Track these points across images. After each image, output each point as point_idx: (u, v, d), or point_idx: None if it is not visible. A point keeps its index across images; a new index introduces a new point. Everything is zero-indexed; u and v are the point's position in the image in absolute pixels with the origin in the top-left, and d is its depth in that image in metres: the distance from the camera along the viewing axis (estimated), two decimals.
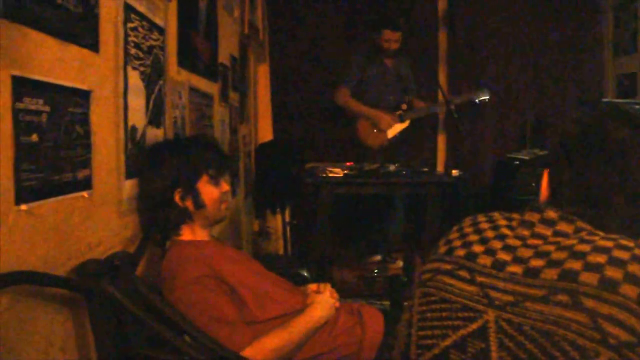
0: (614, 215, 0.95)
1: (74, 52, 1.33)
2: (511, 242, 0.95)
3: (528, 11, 4.89)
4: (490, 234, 0.99)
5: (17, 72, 1.08)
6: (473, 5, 4.87)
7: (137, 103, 1.73)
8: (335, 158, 4.23)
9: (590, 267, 0.84)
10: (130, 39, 1.66)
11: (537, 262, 0.89)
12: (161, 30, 1.97)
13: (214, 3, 2.84)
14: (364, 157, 4.07)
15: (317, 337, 1.72)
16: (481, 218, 1.06)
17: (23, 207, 1.11)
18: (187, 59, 2.32)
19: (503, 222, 1.01)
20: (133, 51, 1.68)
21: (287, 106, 4.90)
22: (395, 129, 4.21)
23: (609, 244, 0.86)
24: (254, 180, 4.26)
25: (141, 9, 1.75)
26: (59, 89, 1.25)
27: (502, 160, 4.58)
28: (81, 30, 1.35)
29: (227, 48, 3.22)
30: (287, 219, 4.42)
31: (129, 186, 1.67)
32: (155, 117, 1.89)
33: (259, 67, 4.75)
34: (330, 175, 3.31)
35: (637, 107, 3.58)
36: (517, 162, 4.25)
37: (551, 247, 0.90)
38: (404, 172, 3.51)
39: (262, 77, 4.82)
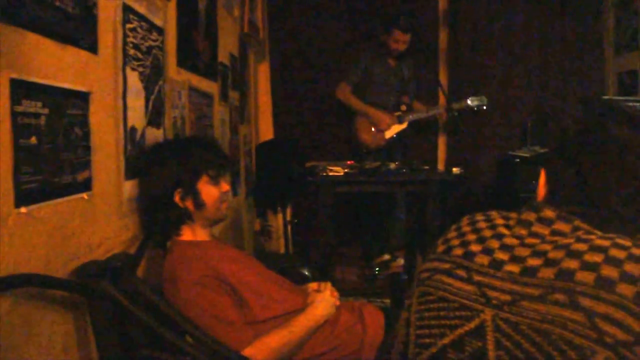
0: (611, 214, 0.95)
1: (73, 54, 1.33)
2: (509, 241, 0.95)
3: (529, 10, 4.88)
4: (487, 233, 0.99)
5: (15, 75, 1.08)
6: (474, 4, 4.85)
7: (137, 104, 1.73)
8: (336, 157, 4.23)
9: (586, 266, 0.84)
10: (129, 39, 1.66)
11: (534, 261, 0.89)
12: (160, 31, 1.97)
13: (213, 2, 2.85)
14: (361, 156, 4.07)
15: (318, 335, 1.72)
16: (479, 217, 1.06)
17: (23, 209, 1.11)
18: (186, 58, 2.33)
19: (500, 221, 1.01)
20: (132, 52, 1.69)
21: (288, 105, 4.89)
22: (393, 130, 4.22)
23: (606, 243, 0.86)
24: (254, 179, 4.26)
25: (140, 9, 1.76)
26: (58, 91, 1.25)
27: (503, 158, 4.58)
28: (79, 32, 1.36)
29: (226, 47, 3.23)
30: (288, 217, 4.42)
31: (129, 187, 1.68)
32: (155, 117, 1.90)
33: (259, 66, 4.75)
34: (331, 174, 3.31)
35: (637, 105, 3.58)
36: (518, 160, 4.24)
37: (548, 246, 0.90)
38: (404, 171, 3.51)
39: (262, 76, 4.82)
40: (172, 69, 2.15)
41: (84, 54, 1.39)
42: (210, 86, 2.79)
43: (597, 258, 0.84)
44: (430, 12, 4.92)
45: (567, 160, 1.00)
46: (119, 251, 1.59)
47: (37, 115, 1.16)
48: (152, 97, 1.87)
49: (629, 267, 0.82)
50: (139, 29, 1.74)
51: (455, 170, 3.62)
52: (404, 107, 4.26)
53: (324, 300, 1.78)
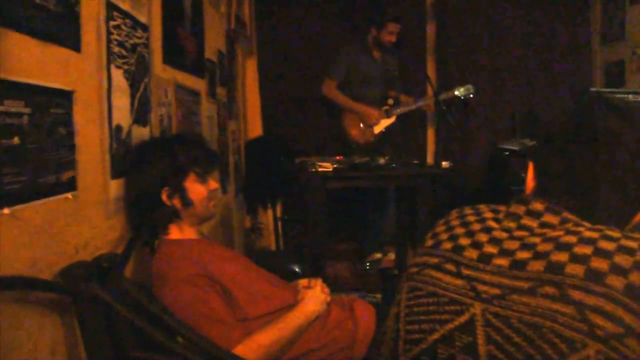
0: (600, 206, 0.94)
1: (55, 52, 1.31)
2: (497, 234, 0.95)
3: (515, 2, 4.89)
4: (476, 226, 0.99)
5: None
6: None
7: (122, 102, 1.71)
8: (326, 152, 4.22)
9: (576, 259, 0.83)
10: (113, 37, 1.64)
11: (523, 255, 0.89)
12: (145, 28, 1.95)
13: None
14: (350, 152, 4.06)
15: (309, 332, 1.72)
16: (468, 211, 1.05)
17: (6, 211, 1.10)
18: (172, 55, 2.30)
19: (489, 215, 1.01)
20: (116, 49, 1.67)
21: (276, 101, 4.88)
22: (382, 125, 4.21)
23: (595, 235, 0.86)
24: (244, 176, 4.24)
25: (124, 6, 1.74)
26: (40, 90, 1.23)
27: (492, 151, 4.59)
28: (62, 30, 1.34)
29: (213, 43, 3.20)
30: (278, 214, 4.42)
31: (115, 186, 1.66)
32: (140, 115, 1.88)
33: (247, 62, 4.73)
34: (320, 169, 3.30)
35: (624, 96, 3.60)
36: (507, 153, 4.26)
37: (537, 239, 0.90)
38: (394, 165, 3.50)
39: (250, 72, 4.80)
40: (158, 66, 2.13)
41: (67, 52, 1.37)
42: (197, 83, 2.77)
43: (587, 250, 0.84)
44: (418, 6, 4.92)
45: (556, 151, 0.99)
46: (105, 251, 1.57)
47: (19, 115, 1.14)
48: (138, 94, 1.85)
49: (619, 259, 0.81)
50: (123, 26, 1.72)
51: (444, 164, 3.62)
52: (391, 101, 4.25)
53: (314, 296, 1.78)
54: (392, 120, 4.24)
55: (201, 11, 2.87)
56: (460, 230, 1.00)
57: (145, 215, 1.72)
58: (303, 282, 1.95)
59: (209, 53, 3.06)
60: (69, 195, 1.36)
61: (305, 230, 3.63)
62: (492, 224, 0.98)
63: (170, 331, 1.44)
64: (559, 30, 4.93)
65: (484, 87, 4.91)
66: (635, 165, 0.94)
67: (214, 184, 1.81)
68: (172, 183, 1.71)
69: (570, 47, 4.93)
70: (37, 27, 1.22)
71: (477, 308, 0.89)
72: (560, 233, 0.89)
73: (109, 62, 1.61)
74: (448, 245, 0.99)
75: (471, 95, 4.16)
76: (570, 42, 4.93)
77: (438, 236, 1.03)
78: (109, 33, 1.61)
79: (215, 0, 3.28)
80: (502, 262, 0.90)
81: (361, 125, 4.18)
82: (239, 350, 1.54)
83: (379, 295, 3.42)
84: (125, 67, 1.74)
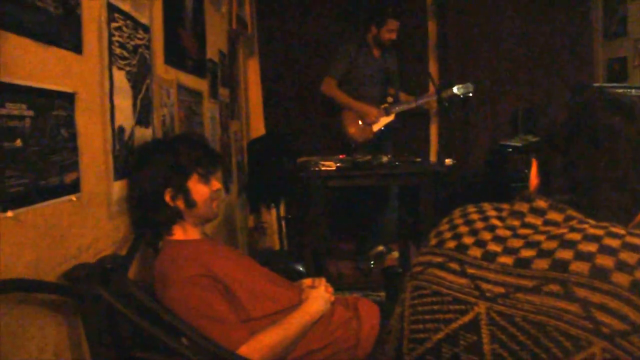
0: (604, 203, 0.94)
1: (57, 55, 1.31)
2: (501, 232, 0.95)
3: None
4: (480, 225, 0.98)
5: None
6: None
7: (124, 103, 1.72)
8: (328, 151, 4.22)
9: (581, 256, 0.83)
10: (114, 38, 1.64)
11: (527, 253, 0.88)
12: (146, 29, 1.95)
13: None
14: (349, 150, 4.06)
15: (313, 332, 1.71)
16: (471, 209, 1.05)
17: (9, 214, 1.10)
18: (174, 56, 2.30)
19: (493, 213, 1.00)
20: (118, 51, 1.67)
21: (278, 100, 4.88)
22: (381, 122, 4.21)
23: (600, 232, 0.86)
24: (247, 175, 4.24)
25: (125, 7, 1.74)
26: (42, 92, 1.23)
27: (494, 148, 4.59)
28: (63, 32, 1.34)
29: (215, 44, 3.20)
30: (282, 213, 4.41)
31: (119, 187, 1.66)
32: (143, 116, 1.88)
33: (248, 61, 4.72)
34: (323, 168, 3.30)
35: (627, 91, 3.58)
36: (510, 150, 4.25)
37: (541, 237, 0.89)
38: (396, 163, 3.50)
39: (252, 71, 4.79)
40: (160, 67, 2.13)
41: (69, 55, 1.37)
42: (199, 83, 2.77)
43: (592, 247, 0.83)
44: (419, 4, 4.92)
45: (558, 149, 0.99)
46: (109, 253, 1.57)
47: (21, 118, 1.15)
48: (140, 96, 1.85)
49: (624, 256, 0.81)
50: (124, 28, 1.72)
51: (447, 161, 3.62)
52: (390, 99, 4.25)
53: (318, 296, 1.77)
54: (391, 118, 4.24)
55: (202, 11, 2.87)
56: (463, 229, 1.00)
57: (149, 216, 1.72)
58: (307, 281, 1.94)
59: (211, 53, 3.06)
60: (72, 197, 1.36)
61: (308, 229, 3.63)
62: (496, 222, 0.97)
63: (174, 332, 1.45)
64: (560, 26, 4.91)
65: (485, 84, 4.90)
66: (638, 162, 0.94)
67: (216, 184, 1.81)
68: (175, 184, 1.71)
69: (571, 44, 4.92)
70: (38, 30, 1.22)
71: (481, 307, 0.88)
72: (565, 230, 0.88)
73: (110, 64, 1.61)
74: (452, 244, 0.99)
75: (470, 94, 4.16)
76: (572, 39, 4.92)
77: (441, 235, 1.03)
78: (110, 35, 1.61)
79: (216, 0, 3.28)
80: (507, 260, 0.90)
81: (360, 123, 4.18)
82: (243, 350, 1.54)
83: (382, 294, 3.42)
84: (127, 68, 1.74)
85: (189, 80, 2.58)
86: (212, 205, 1.79)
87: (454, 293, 0.93)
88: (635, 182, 0.93)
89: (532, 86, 4.95)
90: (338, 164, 3.38)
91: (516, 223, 0.95)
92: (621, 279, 0.80)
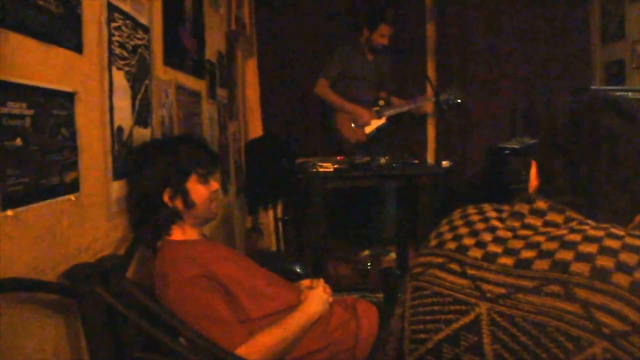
0: (604, 204, 0.95)
1: (57, 54, 1.31)
2: (502, 234, 0.95)
3: (515, 1, 4.89)
4: (480, 226, 0.99)
5: None
6: None
7: (123, 103, 1.71)
8: (326, 152, 4.22)
9: (581, 257, 0.83)
10: (114, 38, 1.64)
11: (528, 254, 0.89)
12: (146, 29, 1.95)
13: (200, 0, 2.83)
14: (341, 151, 4.05)
15: (312, 333, 1.71)
16: (471, 210, 1.05)
17: (9, 212, 1.10)
18: (173, 57, 2.30)
19: (493, 214, 1.00)
20: (118, 51, 1.67)
21: (276, 102, 4.88)
22: (373, 125, 4.22)
23: (600, 233, 0.86)
24: (244, 176, 4.24)
25: (125, 7, 1.74)
26: (43, 91, 1.23)
27: (492, 150, 4.59)
28: (64, 32, 1.34)
29: (213, 45, 3.20)
30: (279, 214, 4.41)
31: (117, 187, 1.66)
32: (142, 117, 1.88)
33: (246, 62, 4.73)
34: (321, 169, 3.30)
35: (625, 94, 3.60)
36: (508, 151, 4.25)
37: (541, 238, 0.90)
38: (394, 165, 3.50)
39: (250, 72, 4.80)
40: (159, 68, 2.13)
41: (69, 54, 1.37)
42: (197, 84, 2.77)
43: (592, 248, 0.84)
44: (418, 7, 4.92)
45: (558, 150, 0.99)
46: (108, 253, 1.57)
47: (22, 117, 1.14)
48: (139, 96, 1.85)
49: (624, 257, 0.82)
50: (124, 28, 1.72)
51: (445, 163, 3.62)
52: (382, 102, 4.27)
53: (317, 297, 1.77)
54: (382, 121, 4.25)
55: (201, 12, 2.87)
56: (464, 230, 1.00)
57: (147, 217, 1.72)
58: (305, 282, 1.95)
59: (209, 54, 3.06)
60: (72, 196, 1.36)
61: (307, 230, 3.63)
62: (496, 223, 0.98)
63: (173, 332, 1.45)
64: (558, 29, 4.92)
65: (483, 87, 4.91)
66: (638, 164, 0.94)
67: (215, 185, 1.81)
68: (174, 184, 1.71)
69: (569, 46, 4.93)
70: (39, 29, 1.22)
71: (482, 307, 0.89)
72: (565, 232, 0.89)
73: (110, 64, 1.61)
74: (452, 245, 0.99)
75: (459, 100, 4.16)
76: (570, 42, 4.93)
77: (442, 236, 1.03)
78: (110, 34, 1.61)
79: (215, 1, 3.28)
80: (507, 261, 0.90)
81: (352, 125, 4.19)
82: (241, 351, 1.54)
83: (380, 295, 3.42)
84: (127, 68, 1.74)
85: (188, 81, 2.58)
86: (210, 205, 1.79)
87: (455, 294, 0.93)
88: (635, 183, 0.93)
89: (530, 89, 4.96)
90: (336, 165, 3.38)
91: (516, 224, 0.96)
92: (621, 279, 0.80)
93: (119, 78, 1.68)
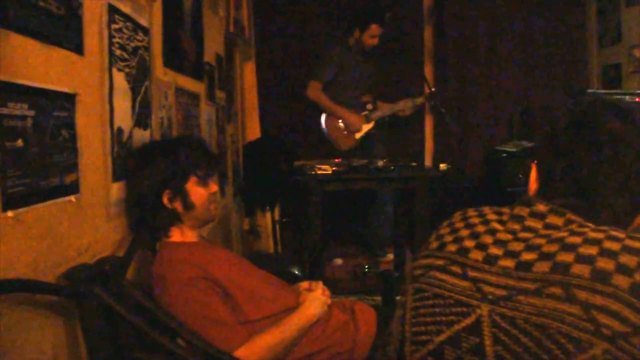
0: (604, 206, 0.95)
1: (58, 55, 1.31)
2: (502, 236, 0.95)
3: (513, 4, 4.91)
4: (481, 228, 0.99)
5: (0, 77, 1.07)
6: (458, 0, 4.88)
7: (123, 105, 1.72)
8: (324, 155, 4.22)
9: (581, 259, 0.84)
10: (115, 40, 1.64)
11: (528, 256, 0.89)
12: (146, 31, 1.95)
13: (199, 2, 2.83)
14: (333, 154, 4.05)
15: (311, 335, 1.72)
16: (471, 213, 1.06)
17: (10, 213, 1.10)
18: (172, 59, 2.31)
19: (493, 217, 1.01)
20: (118, 52, 1.67)
21: (274, 104, 4.89)
22: (363, 130, 4.22)
23: (600, 235, 0.87)
24: (242, 179, 4.24)
25: (125, 9, 1.74)
26: (44, 92, 1.23)
27: (489, 153, 4.61)
28: (65, 33, 1.34)
29: (212, 47, 3.21)
30: (277, 217, 4.42)
31: (117, 189, 1.66)
32: (141, 118, 1.88)
33: (245, 65, 4.73)
34: (319, 172, 3.31)
35: (623, 97, 3.61)
36: (505, 155, 4.27)
37: (542, 240, 0.90)
38: (392, 167, 3.51)
39: (248, 75, 4.80)
40: (159, 69, 2.13)
41: (70, 55, 1.37)
42: (196, 86, 2.77)
43: (592, 250, 0.84)
44: (415, 10, 4.94)
45: (559, 153, 1.00)
46: (107, 254, 1.57)
47: (23, 118, 1.14)
48: (139, 97, 1.85)
49: (624, 259, 0.82)
50: (124, 30, 1.72)
51: (442, 166, 3.64)
52: (370, 106, 4.27)
53: (315, 299, 1.77)
54: (371, 125, 4.25)
55: (200, 15, 2.87)
56: (464, 232, 1.00)
57: (146, 218, 1.72)
58: (304, 284, 1.95)
59: (208, 56, 3.06)
60: (72, 198, 1.36)
61: (305, 232, 3.63)
62: (497, 225, 0.98)
63: (172, 333, 1.45)
64: (555, 32, 4.95)
65: (481, 90, 4.93)
66: (638, 167, 0.95)
67: (214, 186, 1.81)
68: (173, 186, 1.71)
69: (567, 50, 4.95)
70: (40, 30, 1.22)
71: (483, 309, 0.89)
72: (565, 234, 0.89)
73: (110, 65, 1.61)
74: (453, 247, 1.00)
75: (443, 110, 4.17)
76: (567, 45, 4.95)
77: (442, 238, 1.04)
78: (110, 36, 1.61)
79: (214, 3, 3.29)
80: (508, 263, 0.90)
81: (344, 131, 4.18)
82: (240, 352, 1.54)
83: (378, 298, 3.42)
84: (127, 70, 1.74)
85: (187, 83, 2.58)
86: (210, 207, 1.79)
87: (456, 296, 0.93)
88: (635, 186, 0.94)
89: (527, 92, 4.98)
90: (334, 168, 3.39)
91: (517, 227, 0.96)
92: (622, 281, 0.80)
93: (119, 79, 1.68)
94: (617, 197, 0.94)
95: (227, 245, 3.45)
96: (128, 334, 1.43)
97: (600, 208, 0.95)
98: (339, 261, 4.30)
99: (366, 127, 4.23)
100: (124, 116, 1.72)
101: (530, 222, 0.95)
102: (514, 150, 4.29)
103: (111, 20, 1.62)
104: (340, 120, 4.16)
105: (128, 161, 1.73)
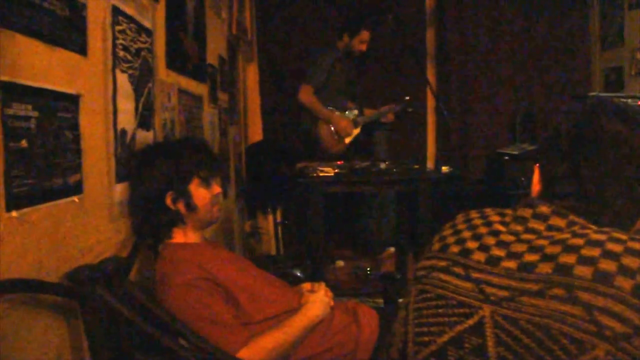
0: (606, 208, 0.95)
1: (62, 56, 1.32)
2: (505, 237, 0.96)
3: (515, 6, 4.92)
4: (483, 230, 0.99)
5: (5, 78, 1.07)
6: (460, 3, 4.88)
7: (127, 106, 1.72)
8: (326, 157, 4.22)
9: (584, 261, 0.84)
10: (118, 41, 1.65)
11: (531, 257, 0.89)
12: (149, 32, 1.96)
13: (201, 4, 2.83)
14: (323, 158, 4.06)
15: (313, 336, 1.72)
16: (474, 214, 1.06)
17: (14, 214, 1.10)
18: (175, 60, 2.31)
19: (496, 218, 1.01)
20: (121, 54, 1.67)
21: (277, 106, 4.89)
22: (352, 135, 4.24)
23: (602, 237, 0.87)
24: (244, 181, 4.25)
25: (129, 11, 1.74)
26: (48, 93, 1.24)
27: (491, 156, 4.60)
28: (69, 34, 1.34)
29: (215, 49, 3.21)
30: (278, 219, 4.42)
31: (120, 190, 1.67)
32: (144, 119, 1.88)
33: (247, 67, 4.74)
34: (321, 174, 3.31)
35: (626, 100, 3.61)
36: (507, 157, 4.26)
37: (545, 242, 0.91)
38: (394, 170, 3.51)
39: (251, 77, 4.81)
40: (162, 71, 2.13)
41: (74, 56, 1.38)
42: (199, 88, 2.78)
43: (595, 252, 0.84)
44: (418, 12, 4.94)
45: (561, 155, 1.00)
46: (110, 255, 1.57)
47: (27, 119, 1.15)
48: (142, 99, 1.86)
49: (627, 261, 0.82)
50: (128, 31, 1.73)
51: (444, 168, 3.64)
52: (356, 112, 4.28)
53: (318, 300, 1.78)
54: (358, 130, 4.27)
55: (203, 17, 2.88)
56: (467, 234, 1.01)
57: (149, 219, 1.72)
58: (306, 286, 1.95)
59: (211, 58, 3.07)
60: (75, 198, 1.37)
61: (307, 235, 3.63)
62: (499, 227, 0.98)
63: (175, 334, 1.45)
64: (557, 35, 4.94)
65: (483, 93, 4.93)
66: None
67: (217, 188, 1.81)
68: (176, 187, 1.71)
69: (569, 53, 4.95)
70: (44, 31, 1.22)
71: (486, 310, 0.89)
72: (568, 236, 0.89)
73: (114, 67, 1.61)
74: (456, 249, 1.00)
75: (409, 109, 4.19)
76: (569, 48, 4.95)
77: (445, 239, 1.04)
78: (114, 37, 1.62)
79: (216, 5, 3.30)
80: (511, 264, 0.91)
81: (335, 136, 4.19)
82: (242, 353, 1.54)
83: (379, 300, 3.42)
84: (130, 71, 1.75)
85: (190, 85, 2.58)
86: (212, 209, 1.79)
87: (459, 297, 0.94)
88: (638, 188, 0.94)
89: (529, 95, 4.98)
90: (336, 170, 3.39)
91: (519, 228, 0.96)
92: (624, 283, 0.81)
93: (123, 81, 1.69)
94: (620, 199, 0.95)
95: (229, 247, 3.45)
96: (131, 335, 1.43)
97: (603, 210, 0.95)
98: (340, 263, 4.30)
99: (355, 132, 4.25)
100: (127, 117, 1.72)
101: (533, 224, 0.96)
102: (516, 153, 4.28)
103: (115, 22, 1.62)
104: (331, 125, 4.17)
105: (131, 162, 1.73)
